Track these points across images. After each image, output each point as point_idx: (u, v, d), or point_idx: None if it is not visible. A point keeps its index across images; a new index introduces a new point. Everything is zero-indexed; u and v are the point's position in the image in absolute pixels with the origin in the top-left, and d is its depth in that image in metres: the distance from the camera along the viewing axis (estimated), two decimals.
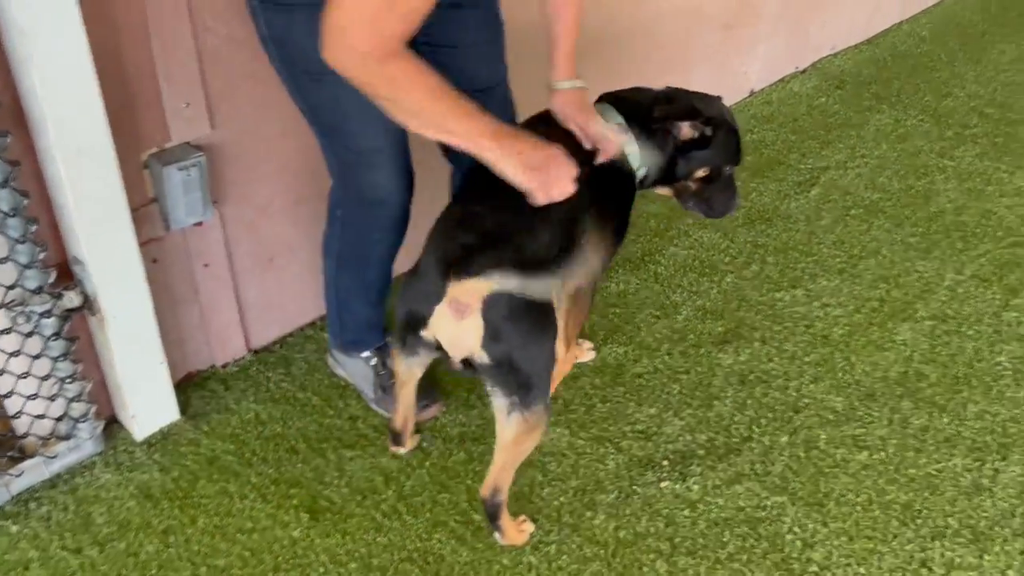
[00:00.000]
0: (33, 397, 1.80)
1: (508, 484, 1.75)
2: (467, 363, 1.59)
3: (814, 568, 1.82)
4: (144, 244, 1.89)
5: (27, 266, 1.64)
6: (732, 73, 3.47)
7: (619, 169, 1.82)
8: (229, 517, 1.85)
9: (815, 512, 1.93)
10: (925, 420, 2.18)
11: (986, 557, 1.86)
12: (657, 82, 1.95)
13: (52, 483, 1.89)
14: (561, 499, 1.94)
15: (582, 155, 1.67)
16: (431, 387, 2.12)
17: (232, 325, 2.15)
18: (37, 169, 1.65)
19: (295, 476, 1.94)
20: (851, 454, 2.08)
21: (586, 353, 2.34)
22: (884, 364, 2.35)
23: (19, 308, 1.69)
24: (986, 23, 4.49)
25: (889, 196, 3.07)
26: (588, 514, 1.91)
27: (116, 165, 1.65)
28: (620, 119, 1.82)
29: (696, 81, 3.17)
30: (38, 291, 1.68)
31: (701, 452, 2.07)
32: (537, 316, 1.55)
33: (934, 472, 2.04)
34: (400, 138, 1.76)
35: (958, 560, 1.85)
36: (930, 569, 1.83)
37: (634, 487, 1.97)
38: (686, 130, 1.83)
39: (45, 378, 1.79)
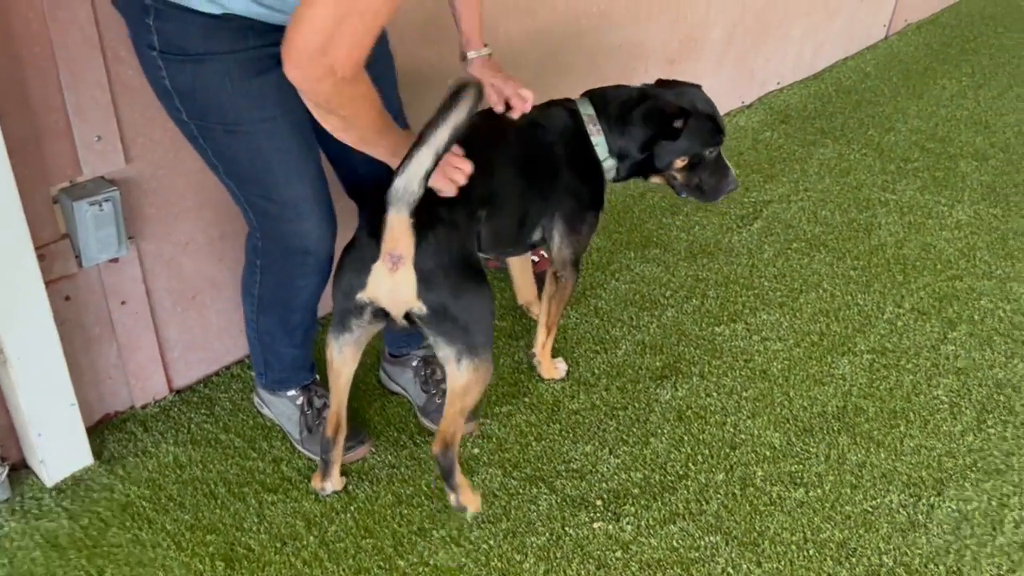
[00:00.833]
0: None
1: (458, 439, 1.80)
2: (409, 320, 1.68)
3: None
4: (55, 281, 1.82)
5: None
6: None
7: (584, 155, 2.00)
8: (140, 567, 1.77)
9: (749, 552, 1.89)
10: (862, 455, 2.16)
11: None
12: None
13: None
14: (491, 542, 1.88)
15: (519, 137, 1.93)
16: (360, 427, 2.07)
17: (152, 364, 2.08)
18: None
19: (212, 522, 1.87)
20: (787, 491, 2.05)
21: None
22: (822, 399, 2.33)
23: None
24: (928, 59, 4.58)
25: (831, 229, 3.08)
26: (518, 557, 1.86)
27: (18, 202, 1.59)
28: (591, 111, 2.00)
29: None
30: None
31: (636, 491, 2.03)
32: (468, 266, 1.68)
33: (870, 509, 2.01)
34: (323, 183, 1.73)
35: None
36: None
37: (566, 528, 1.92)
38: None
39: None
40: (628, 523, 1.94)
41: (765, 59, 3.87)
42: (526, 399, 2.26)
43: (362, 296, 1.67)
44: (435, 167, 1.49)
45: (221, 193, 2.00)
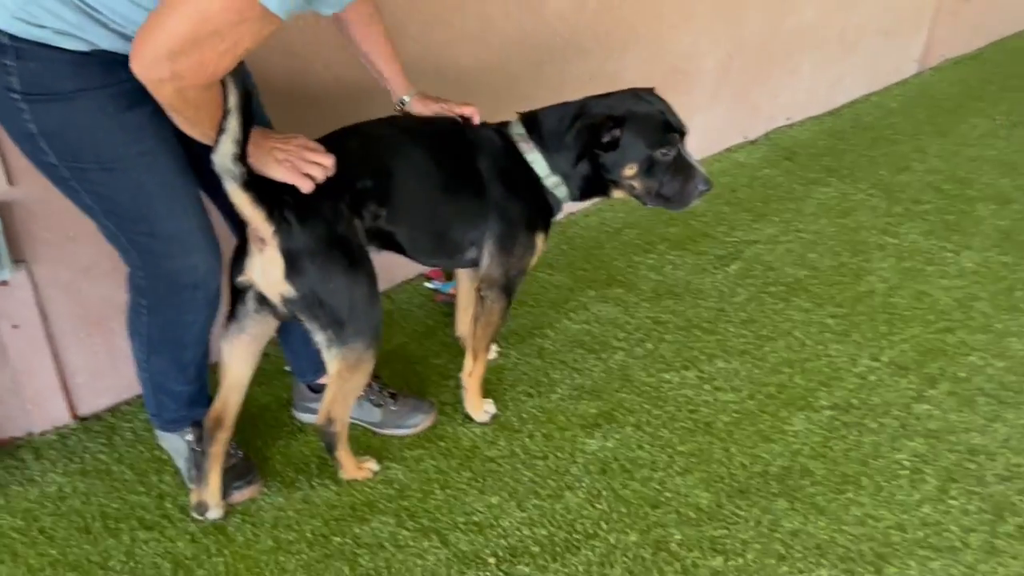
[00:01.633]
0: None
1: (342, 417, 1.85)
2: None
3: None
4: None
5: None
6: None
7: (519, 173, 1.95)
8: None
9: None
10: (799, 523, 1.95)
11: None
12: None
13: None
14: None
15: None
16: (252, 467, 1.98)
17: (51, 390, 2.04)
18: None
19: (78, 559, 1.80)
20: (703, 559, 1.86)
21: (491, 353, 2.36)
22: (767, 457, 2.14)
23: None
24: (962, 96, 4.31)
25: (816, 274, 2.87)
26: None
27: None
28: (522, 130, 1.96)
29: None
30: None
31: (535, 549, 1.88)
32: (341, 253, 1.68)
33: None
34: (205, 214, 1.68)
35: None
36: None
37: None
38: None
39: None
40: None
41: (771, 93, 3.69)
42: (441, 443, 2.14)
43: (242, 279, 1.72)
44: (242, 150, 1.49)
45: None
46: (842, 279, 2.85)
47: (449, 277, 2.61)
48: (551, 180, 1.96)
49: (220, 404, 1.80)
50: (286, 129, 1.72)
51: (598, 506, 1.98)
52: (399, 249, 1.90)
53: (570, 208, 3.08)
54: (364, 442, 2.12)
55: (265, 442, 2.11)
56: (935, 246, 3.05)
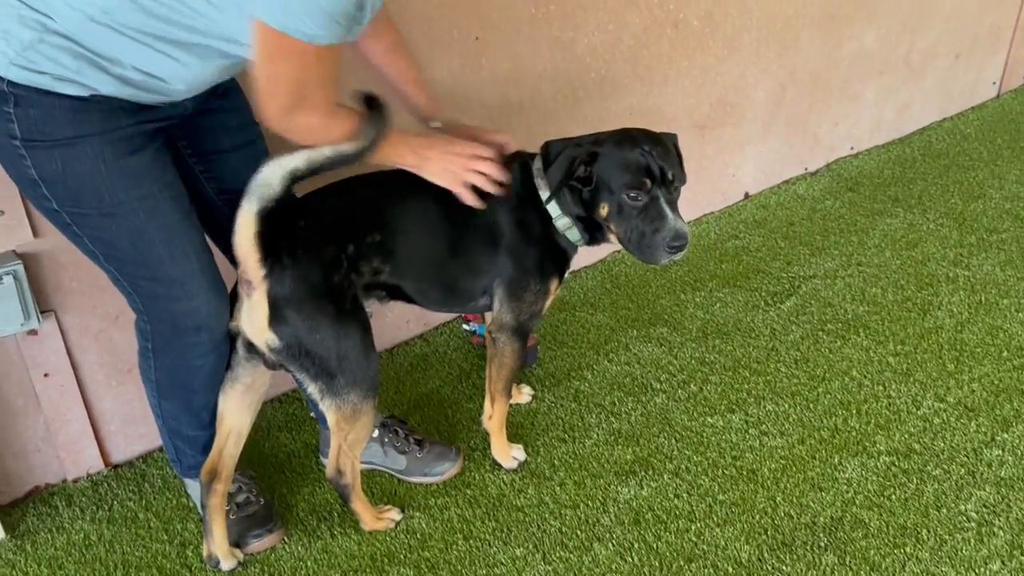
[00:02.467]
0: None
1: (351, 469, 1.82)
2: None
3: None
4: None
5: None
6: (718, 175, 3.24)
7: (534, 213, 1.87)
8: None
9: None
10: None
11: None
12: None
13: None
14: None
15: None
16: (271, 514, 1.95)
17: (84, 438, 2.07)
18: None
19: None
20: None
21: (523, 395, 2.33)
22: (815, 507, 1.99)
23: None
24: None
25: (878, 309, 2.70)
26: None
27: None
28: (539, 164, 1.87)
29: None
30: None
31: None
32: (330, 302, 1.64)
33: None
34: (209, 256, 1.67)
35: None
36: None
37: None
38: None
39: None
40: None
41: (832, 122, 3.54)
42: (467, 491, 2.07)
43: (232, 325, 1.70)
44: (307, 172, 1.53)
45: None
46: (906, 314, 2.67)
47: (486, 320, 2.56)
48: (562, 222, 1.88)
49: (215, 454, 1.78)
50: None
51: (628, 559, 1.87)
52: (407, 299, 1.86)
53: (614, 246, 2.99)
54: (388, 488, 2.07)
55: (290, 489, 2.09)
56: (1012, 277, 2.84)
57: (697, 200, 3.19)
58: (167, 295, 1.64)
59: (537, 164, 1.89)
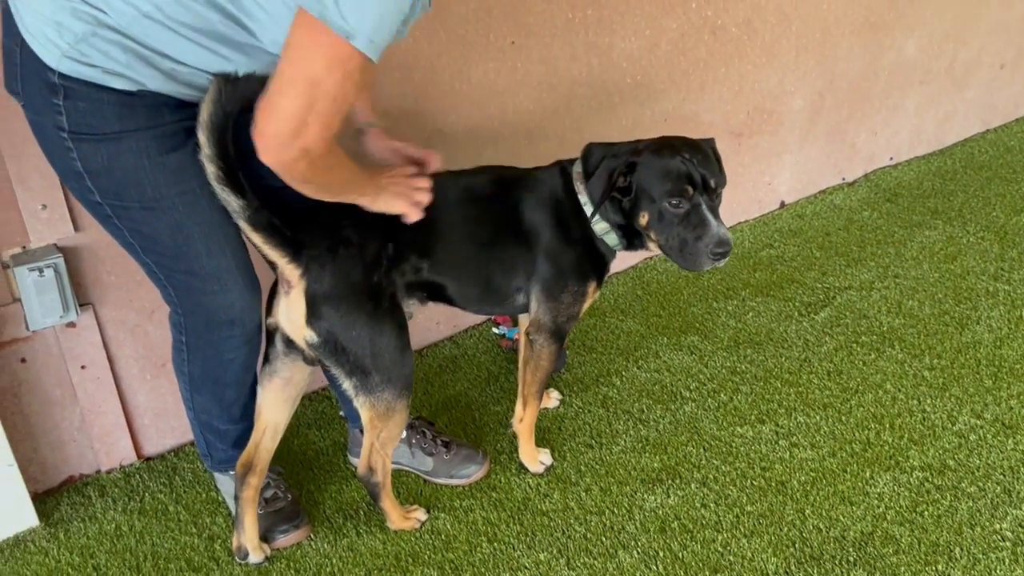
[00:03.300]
0: None
1: (383, 466, 1.83)
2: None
3: None
4: (10, 343, 1.90)
5: None
6: (754, 183, 3.21)
7: (572, 217, 1.87)
8: None
9: None
10: None
11: None
12: None
13: None
14: None
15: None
16: (298, 510, 1.96)
17: (118, 430, 2.10)
18: None
19: None
20: None
21: (552, 400, 2.33)
22: (845, 521, 1.96)
23: None
24: None
25: (914, 322, 2.66)
26: None
27: None
28: (579, 168, 1.87)
29: None
30: None
31: None
32: (368, 300, 1.66)
33: None
34: (244, 252, 1.69)
35: None
36: None
37: None
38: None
39: None
40: None
41: (871, 132, 3.50)
42: (493, 494, 2.07)
43: (271, 321, 1.72)
44: (222, 169, 1.46)
45: None
46: (943, 328, 2.62)
47: (516, 323, 2.56)
48: (599, 227, 1.88)
49: (252, 448, 1.80)
50: None
51: (653, 568, 1.86)
52: (447, 300, 1.87)
53: (646, 252, 2.98)
54: (415, 489, 2.08)
55: (318, 486, 2.10)
56: None
57: (732, 208, 3.16)
58: (202, 289, 1.66)
59: (577, 168, 1.89)
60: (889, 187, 3.52)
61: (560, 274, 1.90)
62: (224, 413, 1.87)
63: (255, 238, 1.57)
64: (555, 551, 1.91)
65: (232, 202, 1.50)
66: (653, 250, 1.91)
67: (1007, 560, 1.84)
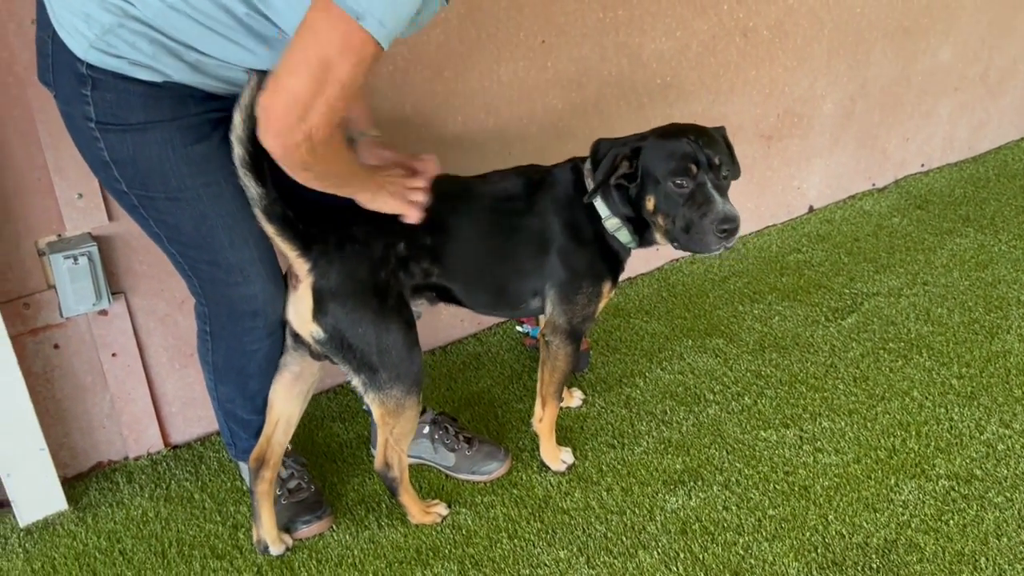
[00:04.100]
0: None
1: (398, 462, 1.84)
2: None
3: None
4: (43, 329, 1.93)
5: None
6: (782, 187, 3.19)
7: (583, 216, 1.86)
8: None
9: None
10: None
11: None
12: None
13: None
14: None
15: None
16: (321, 501, 1.98)
17: (146, 418, 2.13)
18: None
19: None
20: None
21: (575, 399, 2.33)
22: (869, 527, 1.94)
23: None
24: None
25: (943, 330, 2.63)
26: None
27: None
28: (589, 165, 1.87)
29: (741, 193, 2.97)
30: None
31: None
32: (370, 296, 1.66)
33: None
34: (268, 245, 1.70)
35: None
36: None
37: None
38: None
39: None
40: None
41: (902, 138, 3.46)
42: (514, 490, 2.08)
43: (284, 315, 1.74)
44: (249, 155, 1.48)
45: None
46: (973, 336, 2.59)
47: (539, 321, 2.57)
48: (611, 223, 1.87)
49: (264, 441, 1.82)
50: None
51: (673, 569, 1.86)
52: (456, 301, 1.87)
53: (674, 254, 2.98)
54: (437, 484, 2.09)
55: (341, 478, 2.12)
56: None
57: (760, 212, 3.15)
58: (226, 280, 1.68)
59: (588, 165, 1.88)
60: (920, 194, 3.49)
61: (574, 275, 1.89)
62: (247, 403, 1.89)
63: (268, 229, 1.59)
64: (575, 549, 1.91)
65: (252, 188, 1.52)
66: (662, 242, 1.88)
67: None
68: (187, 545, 1.94)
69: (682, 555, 1.89)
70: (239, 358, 1.80)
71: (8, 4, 1.68)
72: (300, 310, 1.68)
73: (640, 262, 2.90)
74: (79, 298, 1.88)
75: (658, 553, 1.90)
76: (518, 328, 2.63)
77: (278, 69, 1.35)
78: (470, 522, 1.99)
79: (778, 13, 2.80)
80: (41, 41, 1.50)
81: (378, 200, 1.67)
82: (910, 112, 3.41)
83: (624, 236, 1.90)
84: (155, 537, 1.96)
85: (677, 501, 2.03)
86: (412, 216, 1.70)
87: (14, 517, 1.98)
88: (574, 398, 2.34)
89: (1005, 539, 1.90)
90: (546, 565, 1.88)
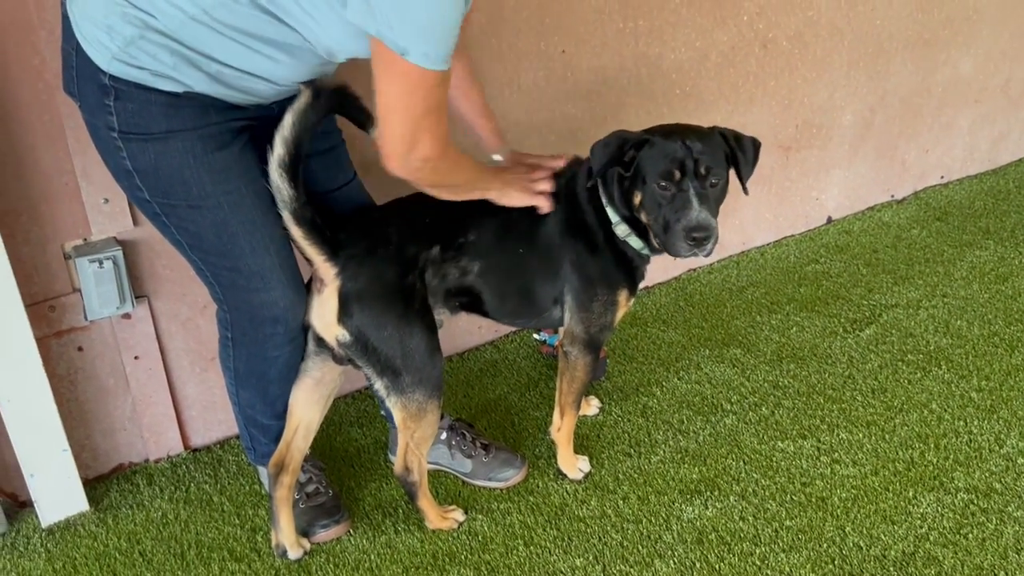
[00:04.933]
0: None
1: (419, 466, 1.86)
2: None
3: None
4: (67, 332, 1.96)
5: None
6: (801, 198, 3.19)
7: (595, 219, 1.88)
8: None
9: None
10: None
11: None
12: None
13: None
14: None
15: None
16: (339, 506, 1.99)
17: (167, 421, 2.15)
18: None
19: None
20: None
21: (591, 408, 2.34)
22: (886, 540, 1.93)
23: None
24: None
25: (962, 343, 2.62)
26: None
27: (6, 258, 1.71)
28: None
29: (760, 203, 2.96)
30: None
31: None
32: (395, 299, 1.69)
33: None
34: (289, 251, 1.72)
35: None
36: None
37: None
38: None
39: None
40: None
41: (922, 149, 3.45)
42: (530, 498, 2.08)
43: (306, 319, 1.76)
44: (289, 157, 1.53)
45: None
46: (992, 350, 2.58)
47: (557, 330, 2.57)
48: (621, 228, 1.87)
49: (283, 447, 1.83)
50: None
51: None
52: (481, 309, 1.88)
53: (690, 264, 2.98)
54: (453, 490, 2.10)
55: (358, 483, 2.13)
56: None
57: (779, 222, 3.14)
58: (247, 286, 1.70)
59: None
60: (939, 205, 3.47)
61: (588, 284, 1.89)
62: (267, 408, 1.91)
63: (296, 232, 1.61)
64: (591, 557, 1.91)
65: (284, 190, 1.55)
66: (656, 244, 1.87)
67: None
68: (206, 547, 1.95)
69: (698, 565, 1.89)
70: (260, 364, 1.82)
71: (40, 13, 1.71)
72: (325, 313, 1.70)
73: (658, 271, 2.90)
74: (103, 301, 1.91)
75: (674, 563, 1.89)
76: (535, 336, 2.64)
77: (378, 116, 1.50)
78: (486, 528, 1.99)
79: (798, 24, 2.81)
80: (65, 53, 1.53)
81: (507, 196, 1.80)
82: (930, 124, 3.40)
83: (636, 243, 1.90)
84: (174, 539, 1.97)
85: (694, 511, 2.03)
86: (544, 206, 1.82)
87: (36, 517, 2.00)
88: (591, 406, 2.35)
89: None
90: (562, 573, 1.88)
